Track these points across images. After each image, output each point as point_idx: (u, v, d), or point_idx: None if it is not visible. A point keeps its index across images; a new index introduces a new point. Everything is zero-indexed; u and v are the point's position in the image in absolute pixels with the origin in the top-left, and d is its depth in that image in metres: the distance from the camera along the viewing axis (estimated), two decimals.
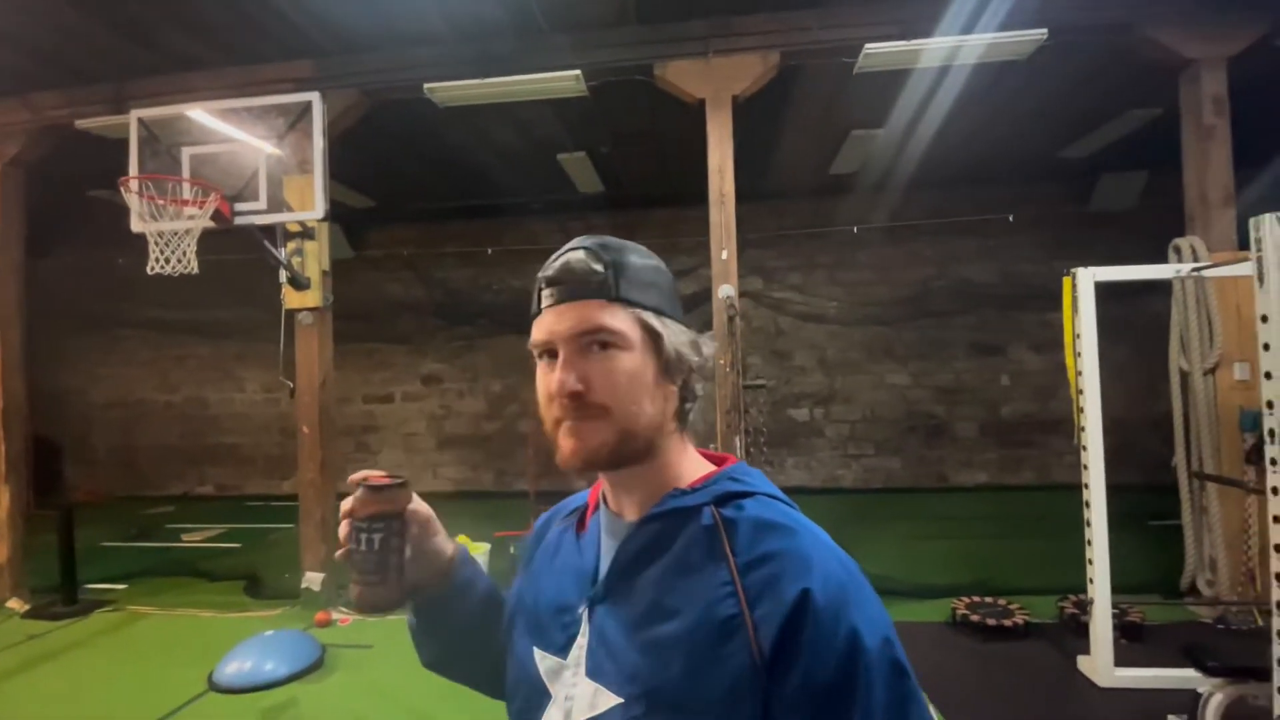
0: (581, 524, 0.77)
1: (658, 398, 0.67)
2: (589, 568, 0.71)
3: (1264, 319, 1.96)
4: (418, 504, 0.76)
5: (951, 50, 3.88)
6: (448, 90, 4.24)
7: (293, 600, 4.31)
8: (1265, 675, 2.13)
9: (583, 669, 0.66)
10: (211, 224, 3.55)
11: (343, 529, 0.73)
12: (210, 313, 8.14)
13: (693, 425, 0.72)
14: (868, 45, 3.83)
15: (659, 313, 0.67)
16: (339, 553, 0.73)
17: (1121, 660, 2.91)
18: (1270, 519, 1.97)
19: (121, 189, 3.42)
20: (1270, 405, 1.93)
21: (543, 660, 0.70)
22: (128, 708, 3.03)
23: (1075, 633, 3.31)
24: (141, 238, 3.55)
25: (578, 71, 4.08)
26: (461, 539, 4.31)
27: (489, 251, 7.56)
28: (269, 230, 3.91)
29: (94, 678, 3.39)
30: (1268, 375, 1.94)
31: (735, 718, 0.58)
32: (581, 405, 0.64)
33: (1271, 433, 1.93)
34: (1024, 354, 7.26)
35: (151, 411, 8.47)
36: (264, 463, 8.28)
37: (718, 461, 0.74)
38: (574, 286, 0.66)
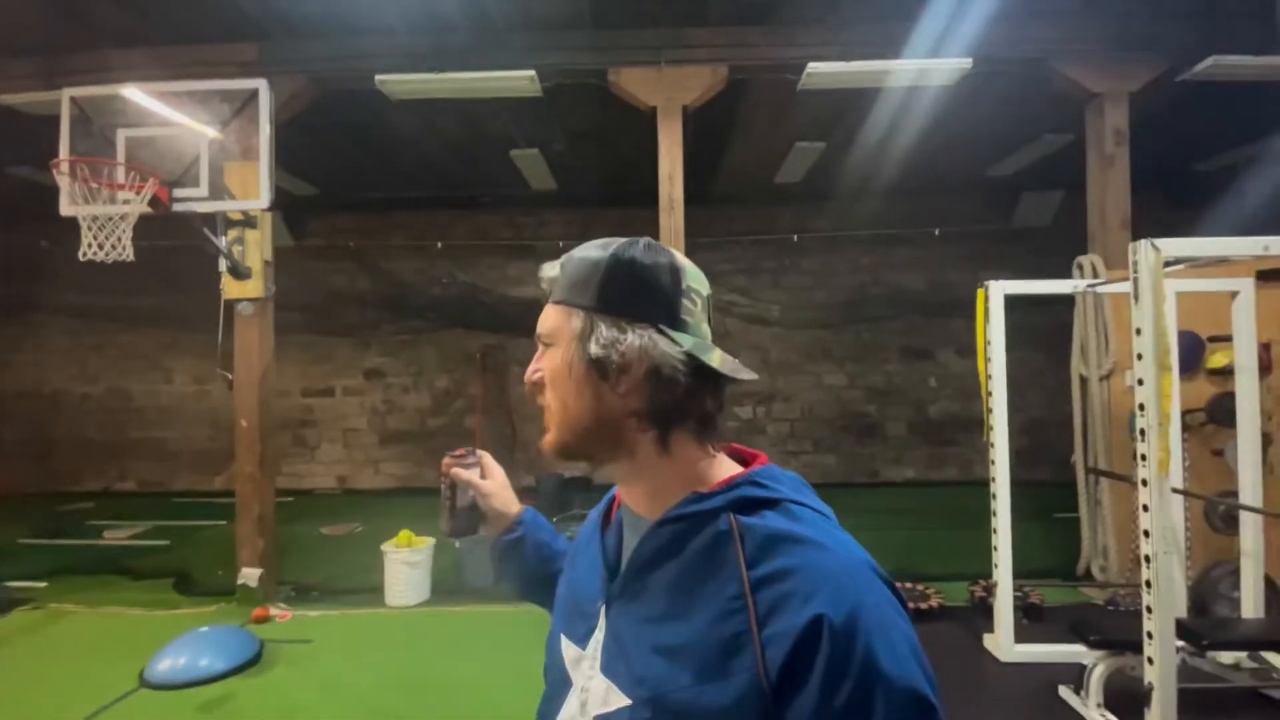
0: (608, 517, 0.78)
1: (585, 396, 0.66)
2: (610, 563, 0.72)
3: (1138, 332, 2.24)
4: (485, 473, 1.01)
5: (887, 73, 4.14)
6: (400, 83, 4.22)
7: (228, 597, 4.21)
8: (1140, 648, 2.41)
9: (598, 664, 0.67)
10: (149, 210, 3.44)
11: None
12: (136, 299, 7.72)
13: (703, 427, 0.69)
14: (810, 64, 4.04)
15: (592, 310, 0.66)
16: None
17: (1022, 638, 3.21)
18: (1140, 507, 2.25)
19: (53, 171, 3.27)
20: (1142, 408, 2.21)
21: (568, 648, 0.72)
22: (54, 706, 2.93)
23: (984, 614, 3.61)
24: (68, 220, 3.41)
25: (532, 72, 4.14)
26: (404, 534, 4.31)
27: (438, 245, 7.48)
28: (209, 218, 3.81)
29: (16, 676, 3.25)
30: (1139, 381, 2.21)
31: None
32: (541, 397, 0.71)
33: (1142, 432, 2.21)
34: (950, 358, 7.73)
35: (68, 403, 7.99)
36: (192, 457, 7.94)
37: (749, 459, 0.73)
38: (547, 290, 0.73)
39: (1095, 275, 3.92)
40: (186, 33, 4.09)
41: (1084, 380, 4.14)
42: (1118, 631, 2.82)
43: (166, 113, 3.55)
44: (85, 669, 3.30)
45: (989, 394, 3.21)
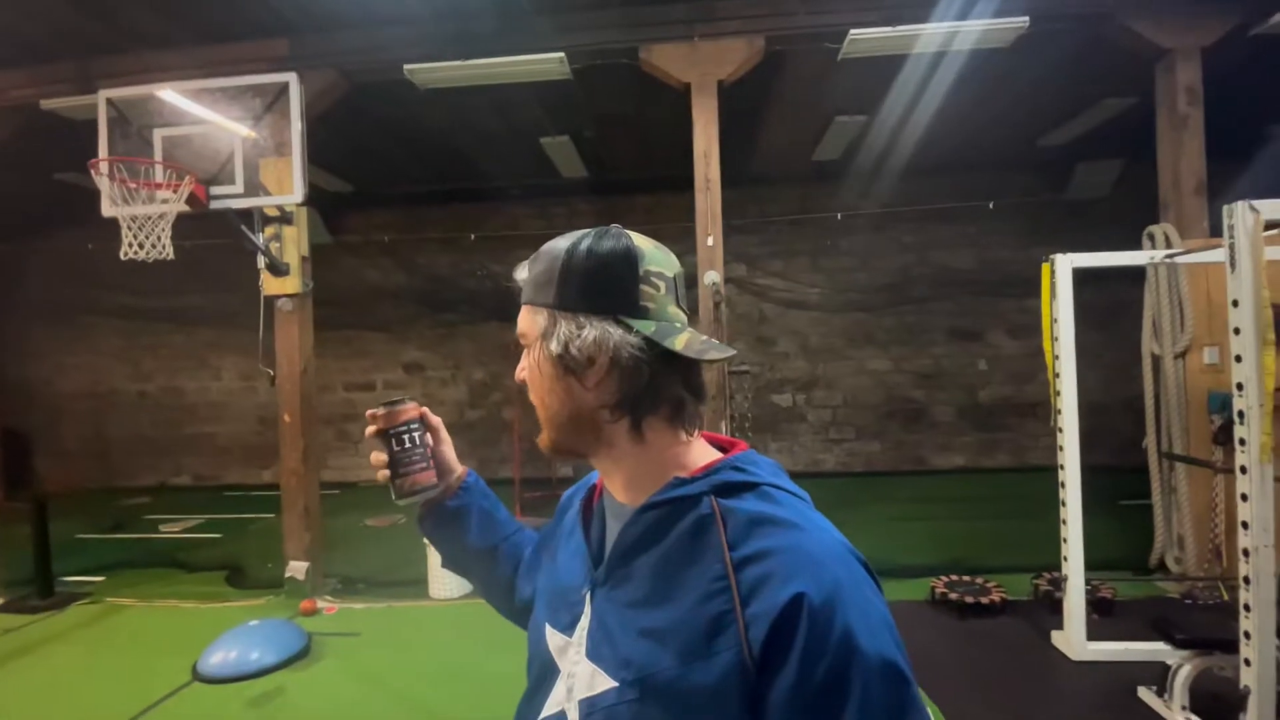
0: (589, 506, 0.79)
1: (558, 392, 0.68)
2: (593, 550, 0.74)
3: (1235, 304, 2.02)
4: (428, 412, 0.92)
5: (936, 37, 3.90)
6: (428, 72, 4.16)
7: (276, 590, 4.28)
8: (1232, 647, 2.22)
9: (584, 649, 0.68)
10: (186, 208, 3.46)
11: (379, 450, 0.87)
12: (184, 299, 7.95)
13: (676, 412, 0.69)
14: (853, 31, 3.84)
15: (553, 308, 0.67)
16: (381, 473, 0.87)
17: (1093, 635, 3.01)
18: (1239, 496, 2.05)
19: (91, 171, 3.31)
20: (1240, 387, 2.00)
21: (553, 637, 0.73)
22: (110, 699, 3.00)
23: (1049, 609, 3.41)
24: (112, 223, 3.45)
25: (561, 54, 4.03)
26: None
27: (471, 237, 7.47)
28: (246, 215, 3.82)
29: (74, 670, 3.34)
30: (1238, 358, 2.00)
31: (725, 713, 0.58)
32: (531, 395, 0.73)
33: (1240, 414, 2.00)
34: (1001, 339, 7.40)
35: (124, 401, 8.28)
36: (242, 452, 8.16)
37: (726, 447, 0.73)
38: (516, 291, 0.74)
39: (1169, 245, 3.64)
40: (218, 32, 4.10)
41: (1156, 359, 3.86)
42: (1204, 629, 2.61)
43: (201, 111, 3.57)
44: (140, 662, 3.38)
45: (1056, 375, 2.99)
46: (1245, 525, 2.01)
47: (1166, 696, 2.53)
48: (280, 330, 4.24)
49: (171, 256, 3.32)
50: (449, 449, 0.93)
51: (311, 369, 4.37)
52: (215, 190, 3.59)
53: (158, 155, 3.47)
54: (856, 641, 0.56)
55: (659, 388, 0.67)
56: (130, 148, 3.46)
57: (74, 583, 4.55)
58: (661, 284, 0.68)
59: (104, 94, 3.54)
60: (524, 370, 0.73)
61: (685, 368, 0.68)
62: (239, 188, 3.64)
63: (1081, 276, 3.04)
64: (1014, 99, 5.19)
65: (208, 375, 8.24)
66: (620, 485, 0.72)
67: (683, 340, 0.66)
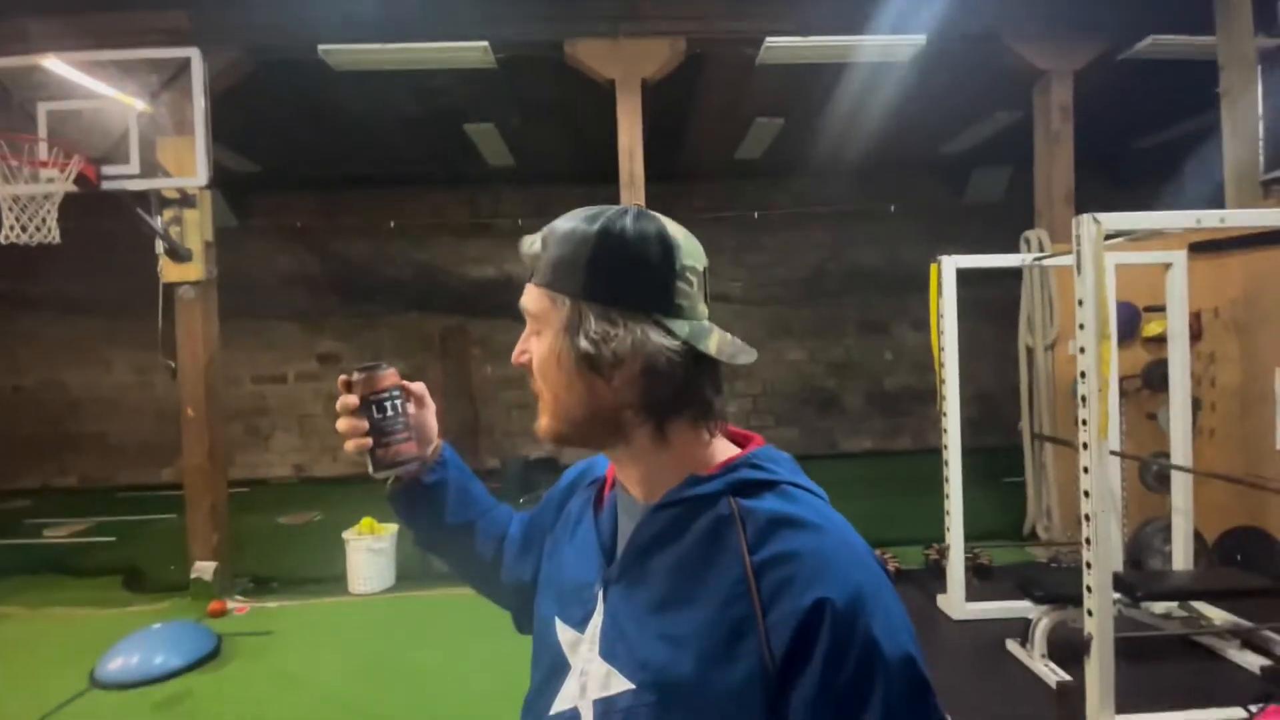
0: (600, 499, 0.76)
1: (576, 388, 0.63)
2: (605, 545, 0.71)
3: (1080, 302, 2.33)
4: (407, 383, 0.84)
5: (843, 49, 4.16)
6: (344, 54, 4.04)
7: (181, 593, 4.08)
8: (1081, 601, 2.55)
9: (597, 648, 0.66)
10: (74, 189, 3.23)
11: (346, 421, 0.79)
12: (68, 285, 7.30)
13: (702, 412, 0.66)
14: (768, 39, 4.03)
15: (577, 297, 0.62)
16: (350, 444, 0.80)
17: (972, 596, 3.37)
18: (1081, 469, 2.36)
19: None
20: (1083, 375, 2.31)
21: (564, 632, 0.70)
22: (1, 710, 2.81)
23: (937, 576, 3.76)
24: None
25: (485, 43, 4.01)
26: (366, 521, 4.23)
27: (391, 224, 7.26)
28: (142, 197, 3.60)
29: None
30: (1082, 350, 2.31)
31: (745, 719, 0.57)
32: (533, 381, 0.67)
33: (1083, 398, 2.31)
34: (905, 331, 7.94)
35: None
36: (137, 450, 7.60)
37: (743, 442, 0.71)
38: (528, 267, 0.67)
39: (1041, 249, 4.06)
40: (109, 0, 3.82)
41: (1030, 350, 4.31)
42: (1060, 587, 2.98)
43: (91, 85, 3.32)
44: (30, 672, 3.17)
45: (941, 365, 3.31)
46: (1087, 494, 2.32)
47: (1029, 647, 2.88)
48: (182, 320, 4.03)
49: (58, 240, 3.10)
50: (432, 415, 0.86)
51: (217, 360, 4.18)
52: (108, 170, 3.37)
53: (42, 131, 3.21)
54: (880, 647, 0.55)
55: (689, 391, 0.64)
56: (11, 122, 3.18)
57: None
58: (695, 279, 0.65)
59: None
60: (526, 354, 0.67)
61: (712, 367, 0.66)
62: (134, 168, 3.42)
63: (978, 275, 3.36)
64: (916, 109, 5.57)
65: (96, 368, 7.61)
66: (635, 480, 0.68)
67: (714, 342, 0.64)
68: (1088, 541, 2.30)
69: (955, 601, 3.33)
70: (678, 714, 0.59)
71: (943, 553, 3.54)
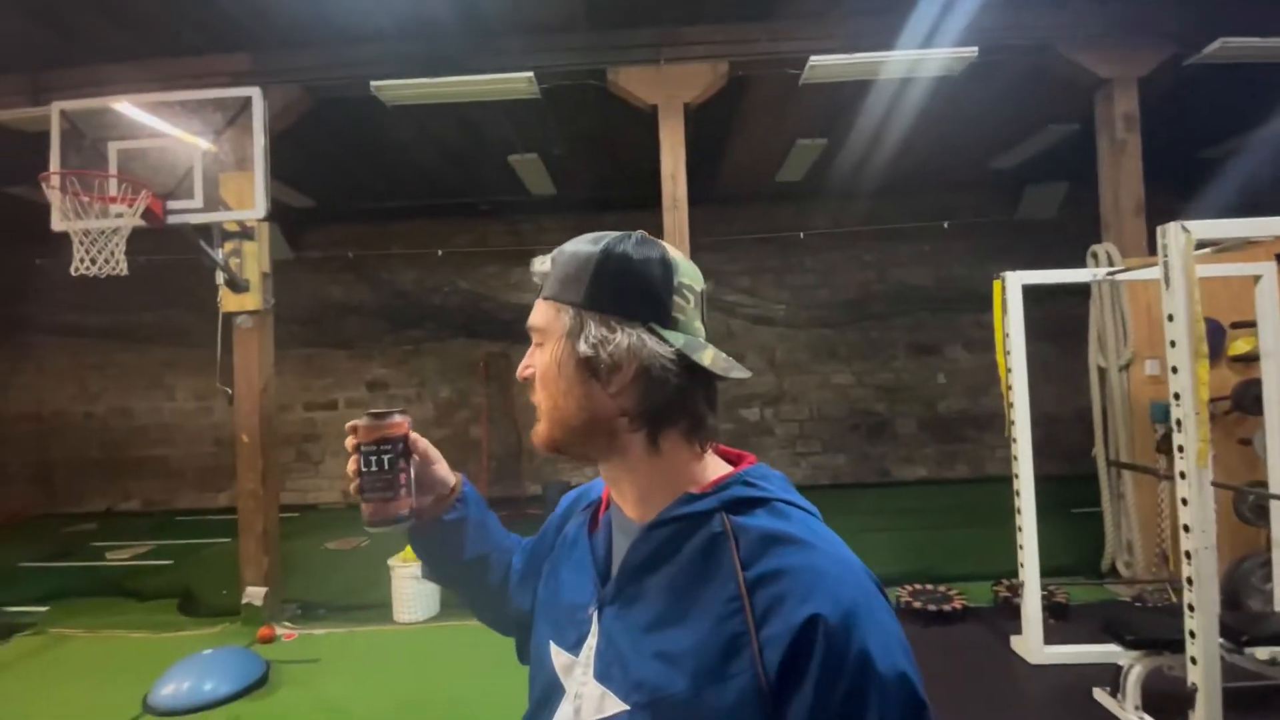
0: (595, 520, 0.76)
1: (575, 394, 0.65)
2: (600, 566, 0.71)
3: (1170, 318, 2.15)
4: (416, 435, 0.82)
5: (891, 64, 4.07)
6: (395, 89, 4.16)
7: (233, 617, 4.12)
8: (1179, 646, 2.32)
9: (591, 670, 0.65)
10: (141, 223, 3.37)
11: (352, 461, 0.78)
12: (134, 316, 7.68)
13: (695, 426, 0.67)
14: (813, 57, 3.98)
15: (581, 307, 0.65)
16: (351, 486, 0.78)
17: (1050, 638, 3.11)
18: (1179, 502, 2.16)
19: (42, 185, 3.21)
20: (1177, 397, 2.12)
21: (558, 656, 0.70)
22: None
23: (1009, 615, 3.51)
24: (62, 237, 3.34)
25: (530, 74, 4.07)
26: (408, 551, 4.22)
27: (438, 253, 7.42)
28: (205, 230, 3.74)
29: (18, 705, 3.16)
30: (1174, 370, 2.12)
31: None
32: (533, 394, 0.69)
33: (1178, 423, 2.12)
34: (958, 353, 7.64)
35: (69, 423, 7.91)
36: (195, 475, 7.86)
37: (735, 460, 0.72)
38: (538, 284, 0.71)
39: (1111, 264, 3.83)
40: (177, 45, 4.03)
41: (1102, 371, 4.04)
42: (1153, 630, 2.72)
43: (158, 124, 3.49)
44: (87, 695, 3.21)
45: (1009, 388, 3.12)
46: (1186, 529, 2.11)
47: (1120, 696, 2.62)
48: (239, 348, 4.14)
49: (125, 272, 3.23)
50: (440, 467, 0.85)
51: (272, 388, 4.27)
52: (173, 205, 3.51)
53: (112, 169, 3.37)
54: (873, 663, 0.55)
55: (682, 401, 0.65)
56: (84, 161, 3.36)
57: (16, 613, 4.31)
58: (691, 297, 0.68)
59: (57, 106, 3.44)
60: (530, 368, 0.69)
61: (707, 383, 0.67)
62: (198, 202, 3.56)
63: (1033, 293, 3.18)
64: (966, 124, 5.43)
65: (160, 395, 7.94)
66: (630, 497, 0.70)
67: (709, 356, 0.65)
68: (1189, 581, 2.08)
69: (1032, 644, 3.07)
70: None
71: (1015, 589, 3.30)
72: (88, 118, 3.44)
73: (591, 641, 0.67)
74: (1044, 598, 3.23)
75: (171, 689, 3.09)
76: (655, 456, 0.66)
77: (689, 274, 0.68)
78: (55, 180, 3.18)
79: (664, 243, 0.69)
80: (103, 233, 3.14)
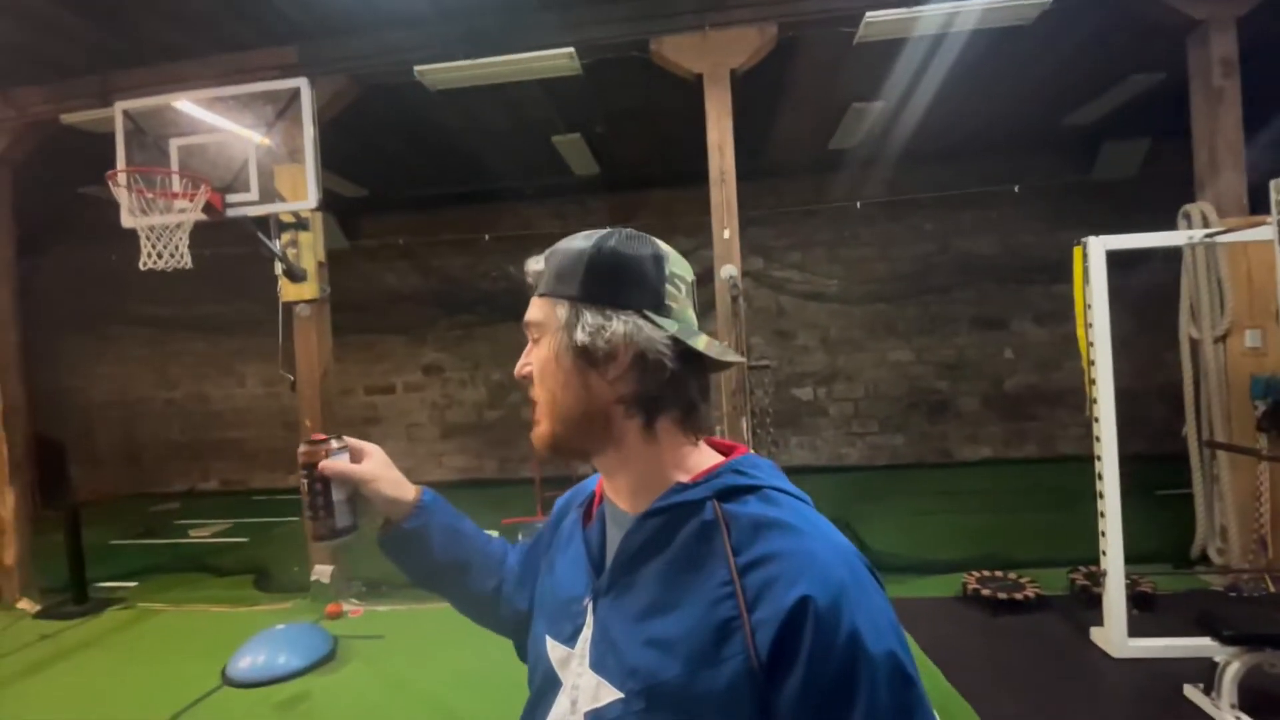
0: (589, 514, 0.78)
1: (573, 385, 0.67)
2: (594, 559, 0.72)
3: None
4: (357, 456, 0.86)
5: (955, 17, 3.79)
6: (438, 72, 4.15)
7: (302, 593, 4.31)
8: None
9: (587, 660, 0.66)
10: (203, 216, 3.48)
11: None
12: (206, 307, 8.08)
13: (688, 414, 0.69)
14: (869, 14, 3.74)
15: (576, 300, 0.66)
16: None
17: (1135, 631, 2.90)
18: None
19: (110, 183, 3.35)
20: None
21: (554, 649, 0.71)
22: (142, 704, 3.04)
23: (1086, 604, 3.31)
24: (133, 233, 3.48)
25: (570, 49, 3.99)
26: None
27: (485, 238, 7.48)
28: (262, 222, 3.84)
29: (107, 675, 3.39)
30: None
31: (734, 719, 0.58)
32: (532, 391, 0.71)
33: None
34: (1027, 326, 7.22)
35: (152, 409, 8.44)
36: (267, 457, 8.28)
37: (726, 451, 0.73)
38: (533, 282, 0.72)
39: (1206, 224, 3.49)
40: (229, 40, 4.13)
41: (1195, 343, 3.72)
42: (1253, 623, 2.50)
43: (215, 120, 3.59)
44: (172, 667, 3.42)
45: (1091, 362, 2.89)
46: None
47: (1214, 694, 2.43)
48: (299, 336, 4.27)
49: (190, 265, 3.34)
50: (383, 484, 0.85)
51: (331, 373, 4.39)
52: (231, 198, 3.61)
53: (174, 165, 3.49)
54: (863, 643, 0.56)
55: (676, 387, 0.67)
56: (147, 158, 3.49)
57: (107, 589, 4.64)
58: (683, 286, 0.69)
59: (120, 106, 3.57)
60: (528, 365, 0.71)
61: (699, 371, 0.69)
62: (254, 195, 3.65)
63: (1110, 260, 2.92)
64: (1036, 78, 5.04)
65: (232, 382, 8.36)
66: (624, 488, 0.70)
67: (703, 341, 0.67)
68: None
69: (1115, 637, 2.87)
70: (667, 719, 0.59)
71: (1094, 577, 3.10)
72: (149, 116, 3.56)
73: (587, 633, 0.68)
74: (1127, 586, 3.02)
75: (248, 662, 3.25)
76: (650, 444, 0.68)
77: (679, 265, 0.70)
78: (121, 179, 3.31)
79: (653, 237, 0.71)
80: (167, 228, 3.25)
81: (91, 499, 7.42)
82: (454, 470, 8.05)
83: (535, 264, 0.72)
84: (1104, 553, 2.90)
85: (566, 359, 0.67)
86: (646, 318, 0.65)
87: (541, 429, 0.70)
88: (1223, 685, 2.40)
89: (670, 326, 0.66)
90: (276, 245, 3.93)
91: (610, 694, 0.63)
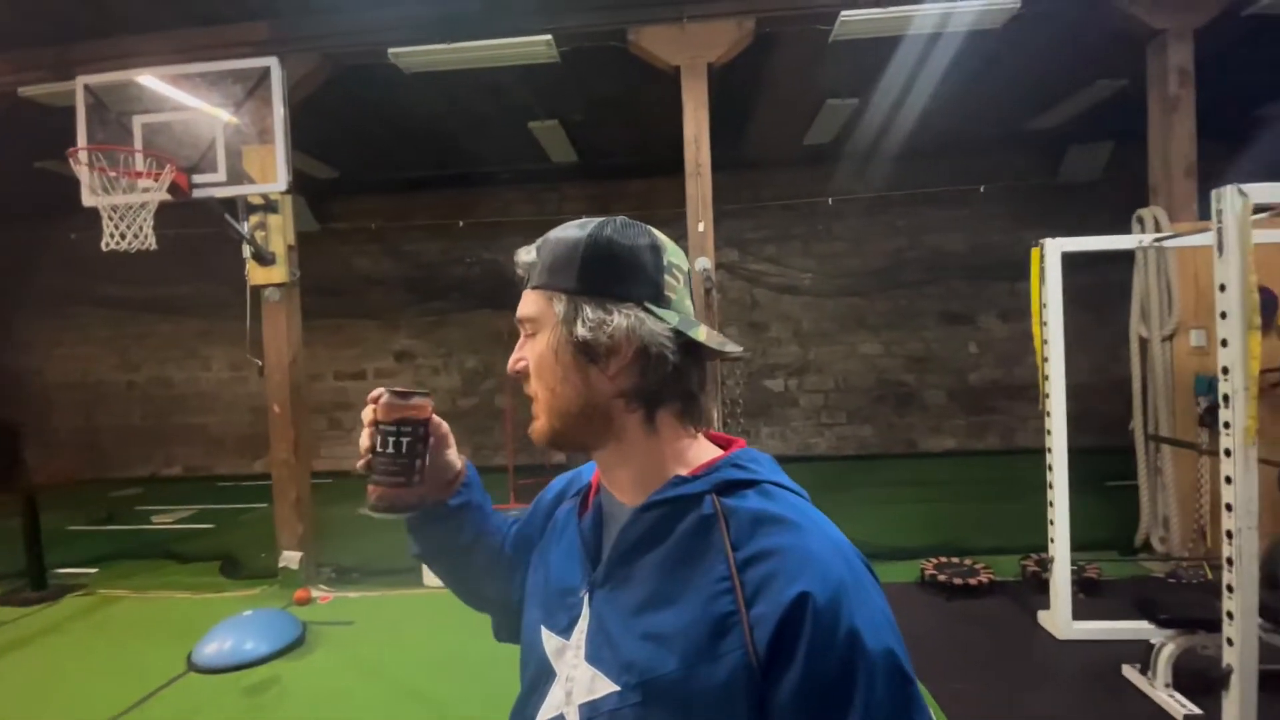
0: (585, 504, 0.77)
1: (573, 379, 0.65)
2: (590, 551, 0.71)
3: (1222, 288, 2.03)
4: (438, 420, 0.80)
5: (927, 18, 3.87)
6: (414, 55, 4.09)
7: (270, 580, 4.28)
8: (1214, 626, 2.25)
9: (583, 653, 0.66)
10: (168, 197, 3.40)
11: (366, 435, 0.76)
12: (171, 289, 7.86)
13: (688, 406, 0.68)
14: (844, 12, 3.80)
15: (574, 293, 0.65)
16: (360, 462, 0.76)
17: (1079, 614, 3.06)
18: (1223, 479, 2.07)
19: (70, 160, 3.25)
20: (1226, 371, 2.02)
21: (549, 640, 0.71)
22: (106, 691, 3.00)
23: (1036, 589, 3.46)
24: (95, 212, 3.39)
25: (549, 36, 3.97)
26: None
27: (460, 224, 7.41)
28: (230, 203, 3.76)
29: (69, 662, 3.34)
30: (1224, 343, 2.02)
31: (730, 715, 0.57)
32: (527, 386, 0.69)
33: (1226, 397, 2.02)
34: (991, 322, 7.43)
35: (113, 392, 8.21)
36: (234, 442, 8.12)
37: (725, 444, 0.72)
38: (524, 275, 0.70)
39: (1158, 229, 3.65)
40: (197, 14, 4.01)
41: (1144, 342, 3.89)
42: (1187, 608, 2.65)
43: (181, 97, 3.50)
44: (135, 653, 3.38)
45: (1045, 359, 3.01)
46: (1229, 507, 2.04)
47: (1150, 674, 2.58)
48: (268, 320, 4.20)
49: (154, 246, 3.27)
50: (452, 451, 0.83)
51: (300, 359, 4.34)
52: (198, 178, 3.53)
53: (137, 143, 3.40)
54: (862, 640, 0.55)
55: (678, 379, 0.66)
56: (109, 135, 3.39)
57: (67, 575, 4.54)
58: (681, 276, 0.68)
59: (81, 80, 3.46)
60: (522, 361, 0.69)
61: (698, 362, 0.68)
62: (222, 176, 3.58)
63: (1072, 259, 3.04)
64: (1005, 81, 5.16)
65: (197, 365, 8.17)
66: (622, 481, 0.70)
67: (704, 332, 0.66)
68: (1229, 562, 2.01)
69: (1060, 620, 3.03)
70: (663, 713, 0.59)
71: (1043, 564, 3.25)
72: (112, 92, 3.46)
73: (582, 624, 0.67)
74: (1074, 572, 3.17)
75: (214, 648, 3.23)
76: (650, 437, 0.67)
77: (676, 254, 0.69)
78: (83, 156, 3.22)
79: (648, 225, 0.69)
80: (131, 208, 3.18)
81: (48, 483, 7.23)
82: None
83: (526, 255, 0.70)
84: (1052, 540, 3.04)
85: (566, 354, 0.65)
86: (648, 310, 0.64)
87: (540, 425, 0.69)
88: (1158, 666, 2.55)
89: (671, 319, 0.65)
90: (245, 228, 3.86)
91: (606, 686, 0.63)
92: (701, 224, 3.97)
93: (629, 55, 4.16)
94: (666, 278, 0.67)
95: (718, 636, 0.58)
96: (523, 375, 0.69)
